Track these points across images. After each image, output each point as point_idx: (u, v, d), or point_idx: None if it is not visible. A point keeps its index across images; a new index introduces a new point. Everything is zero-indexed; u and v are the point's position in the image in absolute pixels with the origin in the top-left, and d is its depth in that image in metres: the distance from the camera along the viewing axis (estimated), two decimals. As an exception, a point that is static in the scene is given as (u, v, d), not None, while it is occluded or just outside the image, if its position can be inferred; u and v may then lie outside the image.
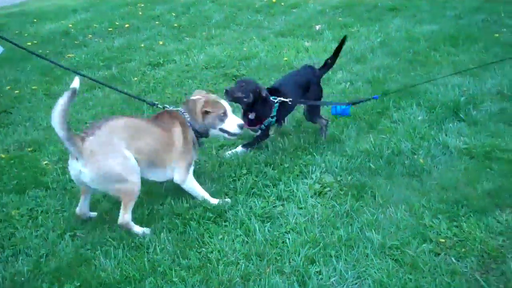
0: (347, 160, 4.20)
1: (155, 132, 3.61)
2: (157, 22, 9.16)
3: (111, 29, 8.86)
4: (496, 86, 5.49)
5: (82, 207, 3.57)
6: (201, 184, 3.89)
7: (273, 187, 3.89)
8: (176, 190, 3.89)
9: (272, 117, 4.40)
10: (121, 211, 3.38)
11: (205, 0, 10.55)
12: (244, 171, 4.11)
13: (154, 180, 3.74)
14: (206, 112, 3.79)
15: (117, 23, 9.23)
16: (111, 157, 3.29)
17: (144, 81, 6.21)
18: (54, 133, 4.87)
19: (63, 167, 4.34)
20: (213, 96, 3.97)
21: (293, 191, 3.83)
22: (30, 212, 3.75)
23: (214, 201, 3.73)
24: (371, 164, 4.12)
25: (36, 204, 3.83)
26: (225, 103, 3.91)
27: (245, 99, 4.31)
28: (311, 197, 3.78)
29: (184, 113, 3.80)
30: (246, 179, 3.98)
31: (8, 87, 6.30)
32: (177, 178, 3.72)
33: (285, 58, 6.62)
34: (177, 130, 3.73)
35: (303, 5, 9.82)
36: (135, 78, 6.21)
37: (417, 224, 3.41)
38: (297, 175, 4.04)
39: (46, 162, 4.41)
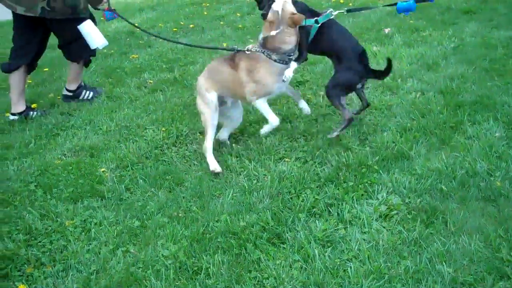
0: (416, 180, 3.90)
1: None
2: (221, 23, 9.06)
3: (176, 29, 8.82)
4: None
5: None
6: (259, 200, 3.76)
7: (336, 207, 3.66)
8: (233, 205, 3.73)
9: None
10: None
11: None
12: (305, 187, 3.90)
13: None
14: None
15: (182, 23, 9.19)
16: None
17: (206, 85, 6.07)
18: (114, 138, 4.91)
19: (120, 175, 4.27)
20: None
21: (357, 212, 3.59)
22: (83, 224, 3.67)
23: (275, 120, 4.39)
24: (442, 186, 3.80)
25: (90, 215, 3.75)
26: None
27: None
28: (376, 220, 3.52)
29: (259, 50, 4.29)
30: (307, 197, 3.77)
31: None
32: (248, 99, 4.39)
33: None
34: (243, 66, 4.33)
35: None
36: (197, 82, 6.09)
37: (493, 258, 3.09)
38: (362, 195, 3.77)
39: (103, 169, 4.34)
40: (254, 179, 4.08)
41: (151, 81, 6.34)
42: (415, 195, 3.73)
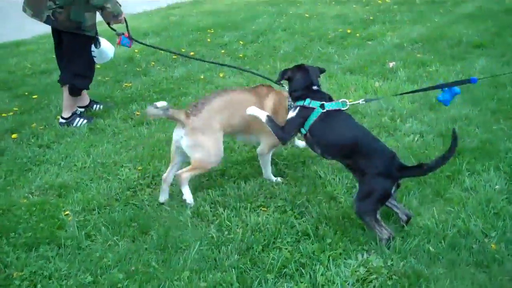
0: (402, 238, 3.53)
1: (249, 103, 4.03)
2: (223, 51, 8.79)
3: (175, 56, 8.56)
4: None
5: (168, 174, 4.18)
6: (226, 255, 3.41)
7: (309, 268, 3.29)
8: (197, 261, 3.39)
9: None
10: (187, 169, 4.04)
11: (277, 28, 10.10)
12: (279, 243, 3.55)
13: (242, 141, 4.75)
14: None
15: (183, 50, 8.94)
16: (208, 136, 3.99)
17: (195, 119, 5.77)
18: (86, 176, 4.62)
19: (84, 220, 3.96)
20: None
21: (332, 275, 3.21)
22: (32, 276, 3.32)
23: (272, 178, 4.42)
24: (430, 247, 3.43)
25: (41, 266, 3.40)
26: None
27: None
28: (352, 285, 3.14)
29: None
30: (279, 254, 3.41)
31: (58, 117, 6.06)
32: (258, 150, 4.35)
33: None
34: (270, 104, 4.22)
35: (379, 38, 9.13)
36: (186, 116, 5.78)
37: None
38: (340, 254, 3.41)
39: (67, 212, 4.04)
40: (225, 230, 3.74)
41: (138, 113, 6.05)
42: (399, 257, 3.36)
